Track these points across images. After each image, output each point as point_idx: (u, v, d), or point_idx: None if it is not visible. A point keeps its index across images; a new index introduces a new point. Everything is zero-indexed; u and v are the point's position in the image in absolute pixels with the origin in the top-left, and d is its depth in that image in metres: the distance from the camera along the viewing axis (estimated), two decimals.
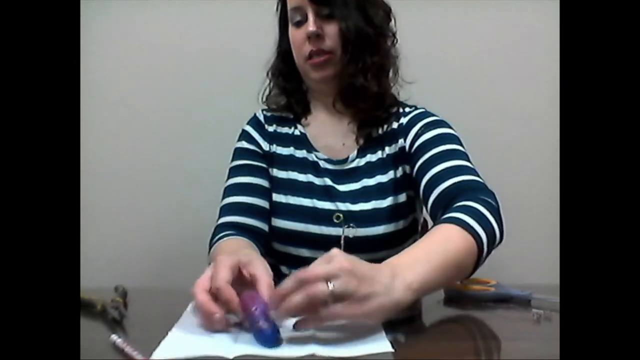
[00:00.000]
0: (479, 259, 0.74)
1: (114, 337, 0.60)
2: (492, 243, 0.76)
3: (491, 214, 0.77)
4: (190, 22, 1.47)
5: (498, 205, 0.81)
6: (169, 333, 0.63)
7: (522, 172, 1.46)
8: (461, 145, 0.93)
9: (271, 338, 0.58)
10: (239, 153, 1.06)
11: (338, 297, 0.57)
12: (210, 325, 0.63)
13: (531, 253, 1.42)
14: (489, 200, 0.80)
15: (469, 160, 0.90)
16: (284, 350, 0.58)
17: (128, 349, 0.57)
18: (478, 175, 0.87)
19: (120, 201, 1.50)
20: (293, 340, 0.60)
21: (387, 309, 0.60)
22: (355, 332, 0.62)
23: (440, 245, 0.71)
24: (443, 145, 0.92)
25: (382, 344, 0.58)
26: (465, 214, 0.75)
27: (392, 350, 0.57)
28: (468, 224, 0.73)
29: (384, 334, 0.61)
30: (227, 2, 1.43)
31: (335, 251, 0.61)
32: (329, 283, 0.57)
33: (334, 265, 0.58)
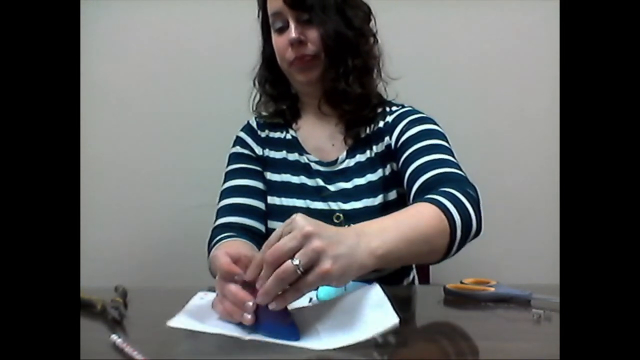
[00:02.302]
0: (452, 243, 0.74)
1: (114, 337, 0.60)
2: (467, 231, 0.76)
3: (470, 203, 0.77)
4: (190, 23, 1.47)
5: (479, 198, 0.81)
6: (188, 303, 0.67)
7: (522, 172, 1.46)
8: (446, 141, 0.94)
9: (296, 332, 0.60)
10: (233, 158, 1.08)
11: (307, 268, 0.58)
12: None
13: (531, 253, 1.42)
14: (470, 191, 0.80)
15: (452, 155, 0.91)
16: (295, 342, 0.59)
17: (128, 349, 0.57)
18: (460, 169, 0.87)
19: (120, 201, 1.49)
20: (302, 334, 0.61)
21: (350, 271, 0.61)
22: (360, 312, 0.62)
23: (412, 218, 0.71)
24: (427, 140, 0.93)
25: (389, 318, 0.59)
26: (443, 197, 0.75)
27: (398, 320, 0.58)
28: (444, 205, 0.74)
29: (389, 305, 0.61)
30: (228, 3, 1.42)
31: (296, 217, 0.60)
32: (293, 260, 0.57)
33: (295, 235, 0.58)
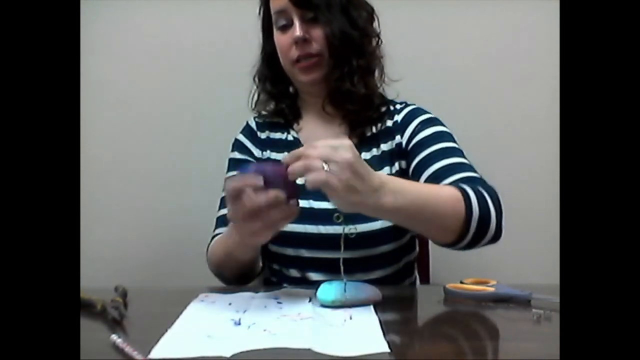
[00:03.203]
0: (466, 229, 0.77)
1: (114, 337, 0.60)
2: (484, 225, 0.78)
3: (492, 202, 0.80)
4: (190, 23, 1.47)
5: (501, 203, 0.82)
6: (168, 331, 0.63)
7: (522, 172, 1.45)
8: (456, 142, 0.96)
9: (247, 167, 0.72)
10: (232, 164, 1.07)
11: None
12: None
13: (531, 253, 1.41)
14: (493, 193, 0.82)
15: (466, 158, 0.92)
16: (281, 342, 0.59)
17: (128, 349, 0.57)
18: (477, 173, 0.88)
19: (120, 201, 1.49)
20: (291, 337, 0.61)
21: (353, 204, 0.69)
22: (353, 333, 0.63)
23: (431, 191, 0.79)
24: (441, 143, 0.94)
25: (379, 345, 0.58)
26: (469, 187, 0.79)
27: (389, 350, 0.57)
28: (466, 192, 0.78)
29: (382, 334, 0.61)
30: (228, 3, 1.42)
31: (346, 142, 0.69)
32: (325, 164, 0.67)
33: (337, 154, 0.67)
